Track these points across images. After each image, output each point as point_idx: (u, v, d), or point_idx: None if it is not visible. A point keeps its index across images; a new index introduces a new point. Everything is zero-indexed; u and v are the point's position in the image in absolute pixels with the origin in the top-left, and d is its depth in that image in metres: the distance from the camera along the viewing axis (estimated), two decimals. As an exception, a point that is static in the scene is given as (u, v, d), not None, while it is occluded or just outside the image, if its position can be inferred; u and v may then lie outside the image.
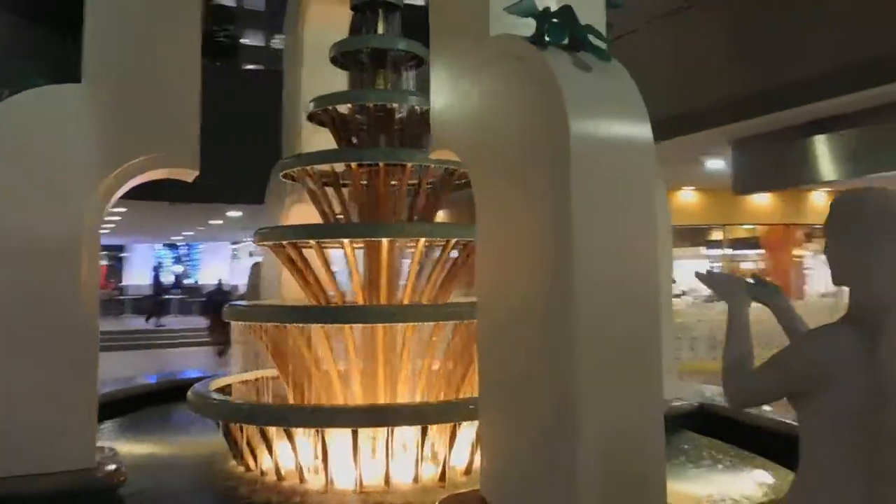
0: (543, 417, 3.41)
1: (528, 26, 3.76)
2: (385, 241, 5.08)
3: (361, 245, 5.51)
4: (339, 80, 7.11)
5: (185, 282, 37.88)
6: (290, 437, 4.65)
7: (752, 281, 2.61)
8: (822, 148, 10.00)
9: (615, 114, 3.54)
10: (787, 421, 4.95)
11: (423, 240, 5.08)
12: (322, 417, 4.66)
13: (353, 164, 5.30)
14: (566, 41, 3.61)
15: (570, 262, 3.28)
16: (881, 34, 7.79)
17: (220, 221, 24.38)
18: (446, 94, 4.29)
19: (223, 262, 36.94)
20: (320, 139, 6.74)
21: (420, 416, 4.62)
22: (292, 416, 4.71)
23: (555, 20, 3.61)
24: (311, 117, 5.99)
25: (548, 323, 3.40)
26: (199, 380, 5.95)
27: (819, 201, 16.94)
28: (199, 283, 36.37)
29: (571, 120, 3.34)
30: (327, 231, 5.26)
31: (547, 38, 3.58)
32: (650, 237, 3.55)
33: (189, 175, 5.13)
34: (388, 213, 5.65)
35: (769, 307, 2.56)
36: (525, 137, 3.61)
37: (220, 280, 23.17)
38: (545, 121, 3.47)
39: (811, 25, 8.57)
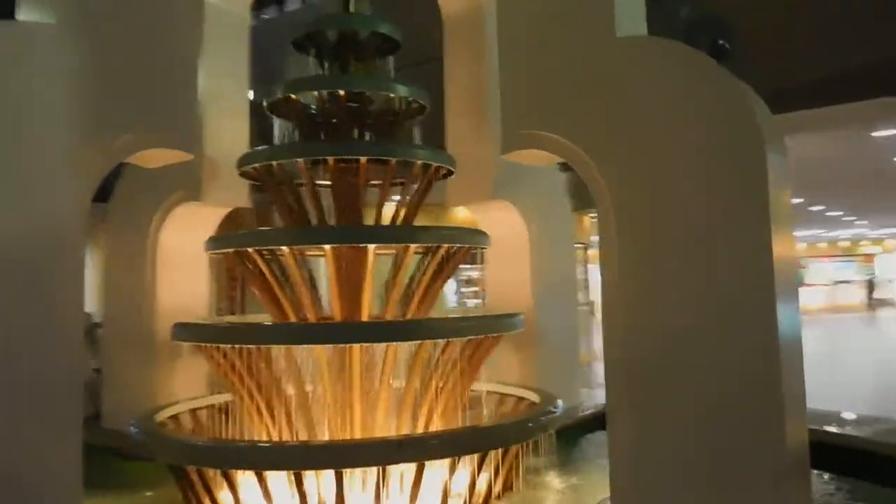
0: (743, 425, 3.39)
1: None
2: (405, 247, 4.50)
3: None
4: (240, 56, 6.20)
5: None
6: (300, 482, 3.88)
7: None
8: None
9: (770, 124, 3.67)
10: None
11: (445, 246, 4.62)
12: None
13: (363, 160, 4.62)
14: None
15: (770, 272, 3.35)
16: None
17: None
18: (543, 92, 3.99)
19: None
20: (225, 126, 5.78)
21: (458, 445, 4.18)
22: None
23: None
24: (273, 107, 5.08)
25: (748, 334, 3.39)
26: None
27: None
28: None
29: (764, 133, 3.42)
30: (356, 235, 4.48)
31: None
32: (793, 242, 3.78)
33: (182, 159, 4.06)
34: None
35: None
36: (701, 146, 3.54)
37: None
38: (731, 131, 3.48)
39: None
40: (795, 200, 10.83)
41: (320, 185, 4.78)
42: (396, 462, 3.92)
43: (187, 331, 4.53)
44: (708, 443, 3.45)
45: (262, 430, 4.59)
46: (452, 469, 4.13)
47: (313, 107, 5.23)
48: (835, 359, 13.95)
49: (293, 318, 4.68)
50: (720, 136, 3.51)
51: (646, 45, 3.77)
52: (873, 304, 30.97)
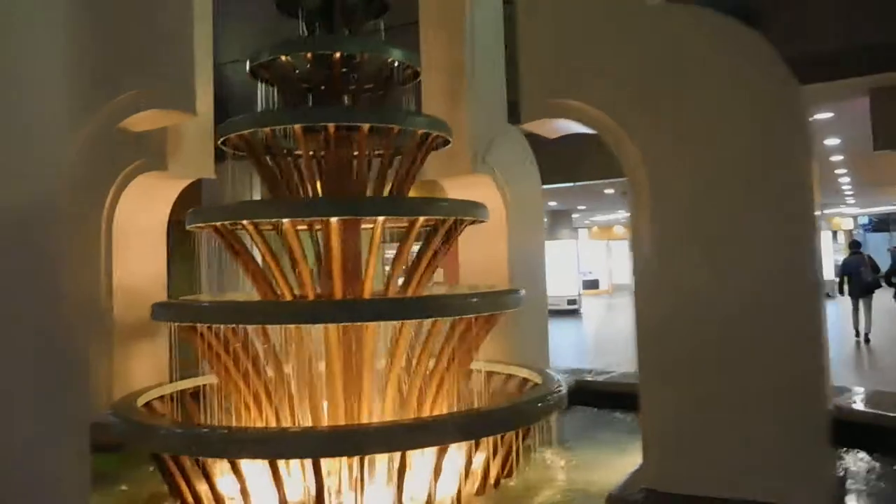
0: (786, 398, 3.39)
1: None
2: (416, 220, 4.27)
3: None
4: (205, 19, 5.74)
5: None
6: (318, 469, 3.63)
7: None
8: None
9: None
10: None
11: (452, 219, 4.41)
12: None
13: (366, 127, 4.33)
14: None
15: (813, 248, 3.36)
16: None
17: None
18: (572, 60, 3.84)
19: None
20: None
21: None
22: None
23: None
24: (255, 71, 4.70)
25: (792, 309, 3.37)
26: None
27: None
28: None
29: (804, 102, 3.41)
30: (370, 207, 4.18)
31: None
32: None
33: (179, 120, 3.68)
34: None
35: None
36: (740, 115, 3.48)
37: None
38: (772, 100, 3.44)
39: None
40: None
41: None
42: (419, 447, 3.73)
43: (180, 311, 4.18)
44: (741, 418, 3.44)
45: (259, 416, 4.29)
46: (472, 451, 3.97)
47: (297, 71, 4.90)
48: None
49: (288, 297, 4.38)
50: (760, 105, 3.47)
51: (679, 13, 3.67)
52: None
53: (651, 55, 3.65)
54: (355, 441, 3.65)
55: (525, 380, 5.06)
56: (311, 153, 4.52)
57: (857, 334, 13.50)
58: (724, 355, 3.50)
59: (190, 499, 3.97)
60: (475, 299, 4.33)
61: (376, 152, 4.76)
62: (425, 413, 4.33)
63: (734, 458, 3.49)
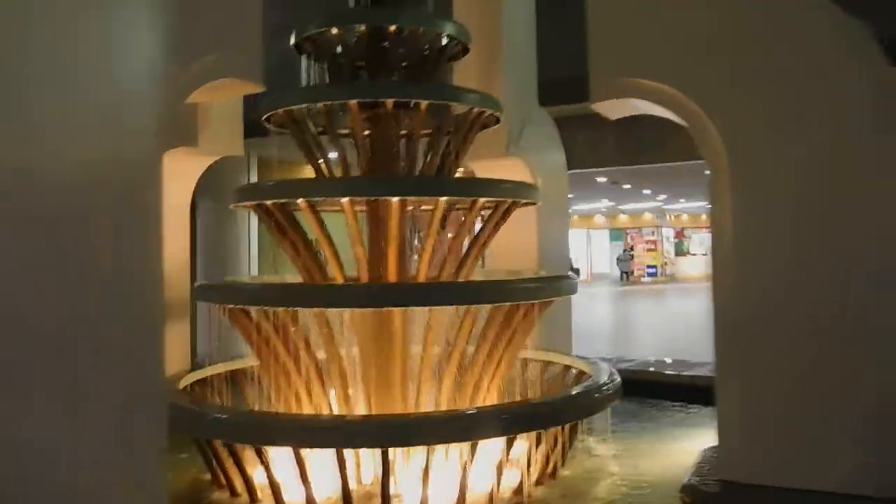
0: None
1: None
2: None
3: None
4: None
5: None
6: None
7: None
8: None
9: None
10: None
11: (510, 200, 4.28)
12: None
13: (424, 104, 4.14)
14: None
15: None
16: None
17: None
18: (649, 38, 3.71)
19: None
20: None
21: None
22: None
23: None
24: (300, 46, 4.48)
25: (878, 298, 3.31)
26: None
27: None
28: None
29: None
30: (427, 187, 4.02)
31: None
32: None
33: (247, 91, 3.49)
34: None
35: None
36: (828, 96, 3.39)
37: None
38: (861, 82, 3.37)
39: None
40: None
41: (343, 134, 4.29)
42: (488, 436, 3.61)
43: (233, 293, 4.00)
44: (822, 408, 3.38)
45: (310, 403, 4.13)
46: (537, 440, 3.86)
47: (339, 48, 4.70)
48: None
49: (339, 280, 4.21)
50: (855, 88, 3.38)
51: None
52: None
53: (740, 33, 3.53)
54: (424, 430, 3.52)
55: (567, 367, 4.96)
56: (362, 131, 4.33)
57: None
58: (806, 345, 3.42)
59: (242, 487, 3.80)
60: (539, 285, 4.22)
61: (423, 131, 4.60)
62: (482, 399, 4.21)
63: (815, 450, 3.42)
